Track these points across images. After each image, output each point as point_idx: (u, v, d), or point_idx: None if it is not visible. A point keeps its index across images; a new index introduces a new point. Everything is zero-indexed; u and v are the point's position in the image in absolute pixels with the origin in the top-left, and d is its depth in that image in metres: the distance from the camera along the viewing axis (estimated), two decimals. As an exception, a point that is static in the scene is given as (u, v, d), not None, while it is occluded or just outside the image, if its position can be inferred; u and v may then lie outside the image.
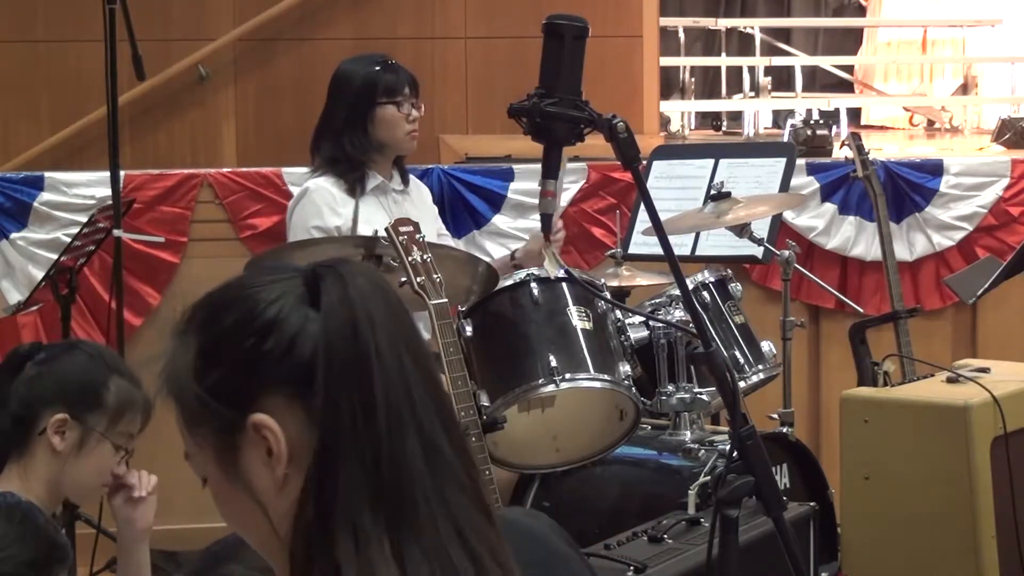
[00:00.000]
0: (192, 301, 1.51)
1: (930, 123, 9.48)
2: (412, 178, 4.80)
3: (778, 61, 9.62)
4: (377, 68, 4.60)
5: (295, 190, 5.26)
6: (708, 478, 3.68)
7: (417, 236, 3.76)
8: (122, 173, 4.81)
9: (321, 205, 4.52)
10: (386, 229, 3.76)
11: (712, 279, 4.44)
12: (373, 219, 4.34)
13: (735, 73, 9.21)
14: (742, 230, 4.35)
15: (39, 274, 5.08)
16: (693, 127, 8.68)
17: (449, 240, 4.93)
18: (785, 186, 4.80)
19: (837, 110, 8.85)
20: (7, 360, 2.93)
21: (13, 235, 5.37)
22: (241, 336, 1.44)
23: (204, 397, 1.45)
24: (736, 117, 8.73)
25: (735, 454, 2.43)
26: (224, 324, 1.46)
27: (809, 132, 6.39)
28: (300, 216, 4.56)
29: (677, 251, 2.77)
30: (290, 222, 4.64)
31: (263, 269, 1.52)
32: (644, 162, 4.67)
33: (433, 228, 4.72)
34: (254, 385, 1.44)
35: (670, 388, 4.21)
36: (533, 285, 4.04)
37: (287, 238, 4.67)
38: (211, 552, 2.31)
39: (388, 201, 4.64)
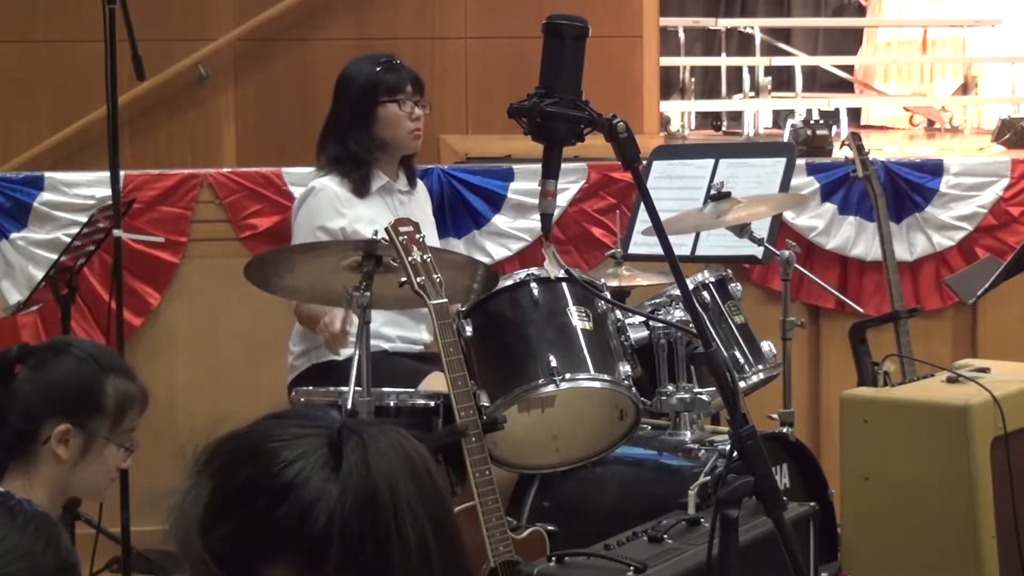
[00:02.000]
0: (214, 436, 1.43)
1: (930, 123, 9.46)
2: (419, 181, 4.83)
3: (778, 61, 9.60)
4: (379, 68, 4.64)
5: (295, 190, 5.26)
6: (708, 478, 3.68)
7: (417, 236, 3.76)
8: (122, 173, 4.81)
9: (327, 206, 4.53)
10: (386, 229, 3.77)
11: (712, 279, 4.45)
12: (378, 219, 4.34)
13: (735, 73, 9.19)
14: (742, 230, 4.35)
15: (39, 274, 5.07)
16: (693, 127, 8.65)
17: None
18: (785, 186, 4.80)
19: (837, 110, 8.82)
20: None
21: (13, 235, 5.37)
22: (254, 495, 1.37)
23: (205, 557, 1.38)
24: (736, 117, 8.71)
25: (735, 454, 2.43)
26: (238, 479, 1.38)
27: (809, 132, 6.38)
28: (306, 214, 4.58)
29: (677, 251, 2.76)
30: (295, 219, 4.66)
31: (291, 418, 1.44)
32: (644, 162, 4.67)
33: (433, 233, 4.72)
34: (257, 552, 1.36)
35: (670, 388, 4.21)
36: (533, 285, 4.04)
37: (291, 234, 4.69)
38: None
39: (394, 202, 4.65)
